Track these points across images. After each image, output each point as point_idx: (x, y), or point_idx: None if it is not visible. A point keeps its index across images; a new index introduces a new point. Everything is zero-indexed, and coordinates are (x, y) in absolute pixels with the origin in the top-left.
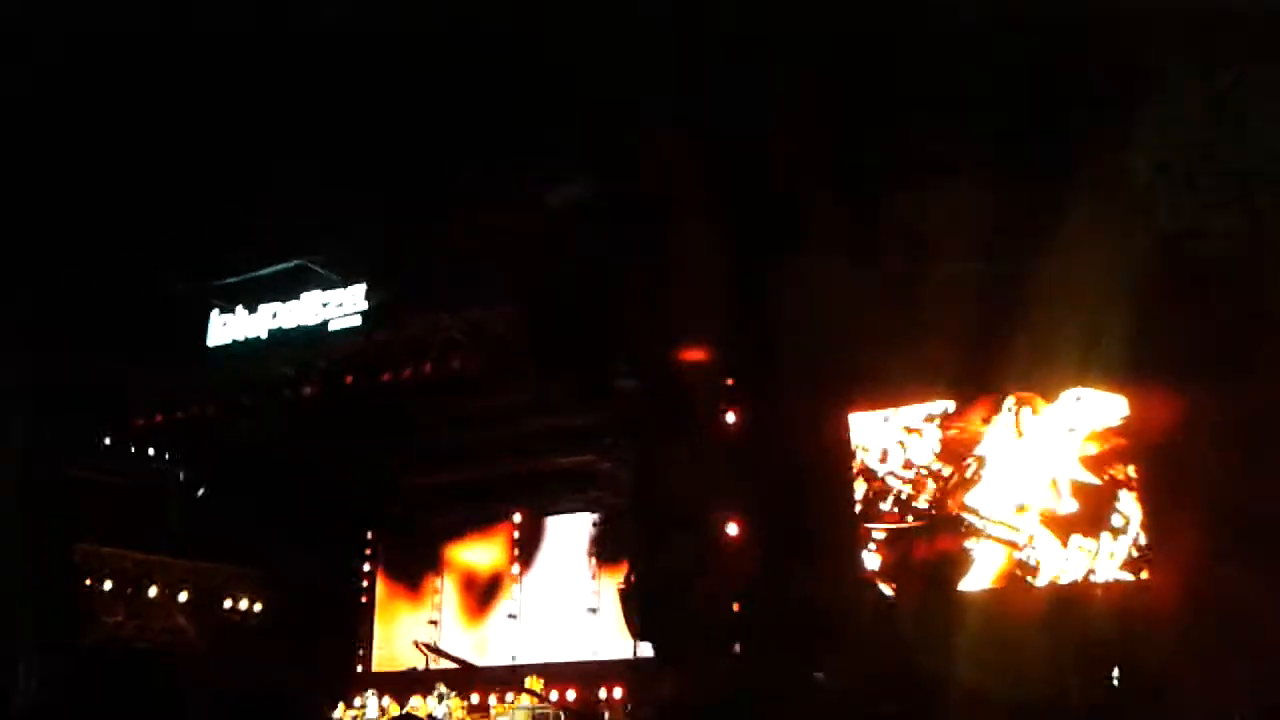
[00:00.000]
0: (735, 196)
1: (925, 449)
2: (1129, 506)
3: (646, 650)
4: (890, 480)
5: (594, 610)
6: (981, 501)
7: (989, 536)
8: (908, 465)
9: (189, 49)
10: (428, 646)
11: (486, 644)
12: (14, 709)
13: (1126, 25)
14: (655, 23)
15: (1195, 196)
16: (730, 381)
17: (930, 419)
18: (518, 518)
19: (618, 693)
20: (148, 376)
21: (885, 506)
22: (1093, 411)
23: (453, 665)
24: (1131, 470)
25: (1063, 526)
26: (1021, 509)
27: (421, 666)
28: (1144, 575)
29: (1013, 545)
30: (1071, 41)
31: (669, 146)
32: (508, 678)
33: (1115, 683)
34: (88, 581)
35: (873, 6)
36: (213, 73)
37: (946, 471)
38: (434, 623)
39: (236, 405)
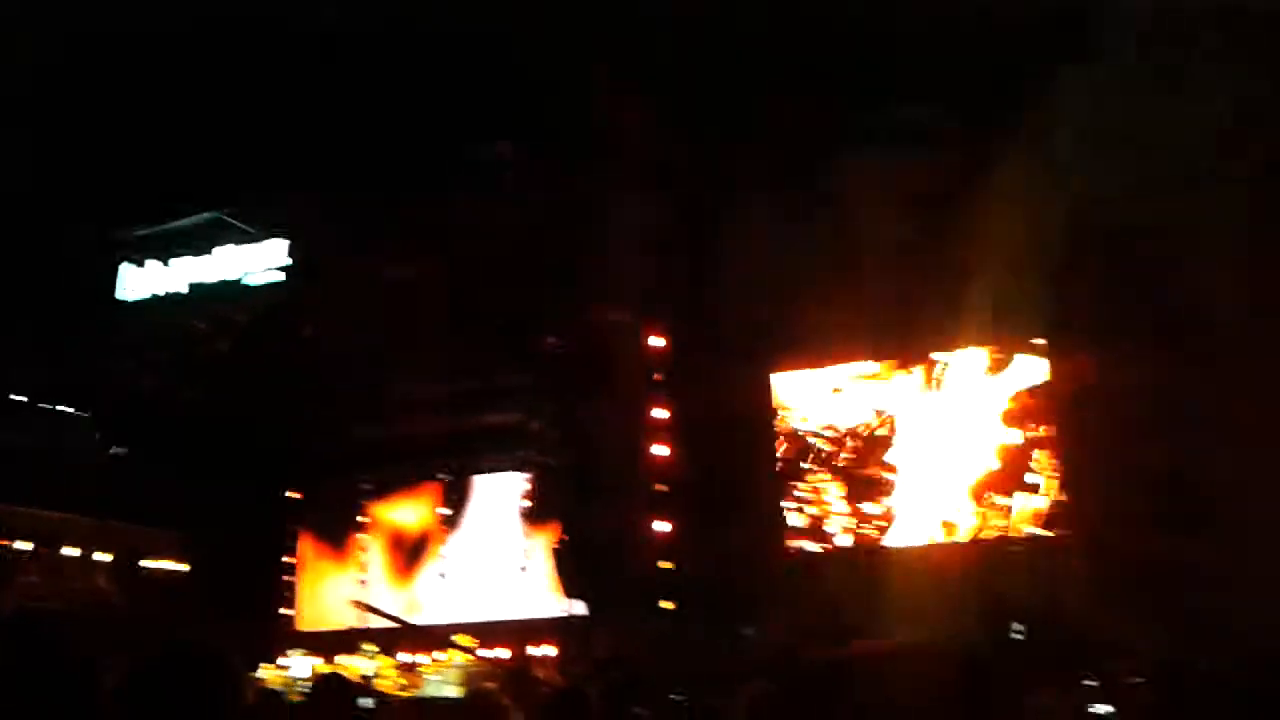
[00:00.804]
0: (668, 158)
1: (847, 409)
2: (1046, 465)
3: (579, 608)
4: (811, 440)
5: (524, 569)
6: (901, 459)
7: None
8: (829, 426)
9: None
10: (364, 605)
11: (417, 603)
12: None
13: None
14: None
15: (1107, 165)
16: (658, 341)
17: (854, 379)
18: (445, 476)
19: (550, 650)
20: (55, 331)
21: (806, 465)
22: (1013, 372)
23: (389, 624)
24: (1047, 429)
25: (981, 484)
26: (940, 466)
27: (359, 625)
28: (1058, 532)
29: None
30: (1006, 7)
31: (603, 106)
32: (438, 637)
33: (1017, 636)
34: (1, 542)
35: None
36: (131, 20)
37: (865, 431)
38: (362, 582)
39: (148, 360)
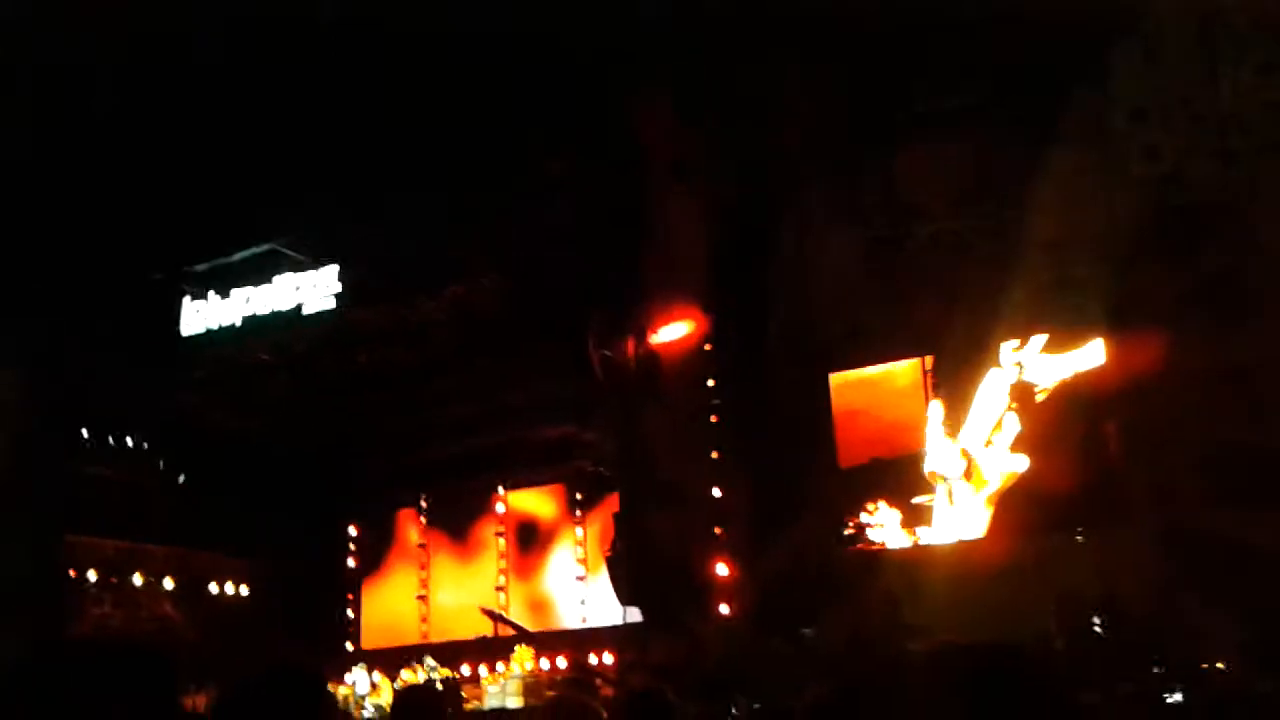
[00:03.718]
0: (715, 164)
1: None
2: (1111, 452)
3: (635, 615)
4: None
5: (581, 578)
6: (956, 453)
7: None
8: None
9: (155, 34)
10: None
11: (477, 616)
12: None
13: None
14: None
15: (1173, 143)
16: (710, 346)
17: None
18: (502, 489)
19: (608, 658)
20: (123, 366)
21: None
22: (1073, 359)
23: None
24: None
25: (1041, 474)
26: (999, 457)
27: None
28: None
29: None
30: None
31: (652, 113)
32: (495, 648)
33: (1099, 630)
34: (72, 573)
35: None
36: (178, 57)
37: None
38: (422, 598)
39: (213, 392)
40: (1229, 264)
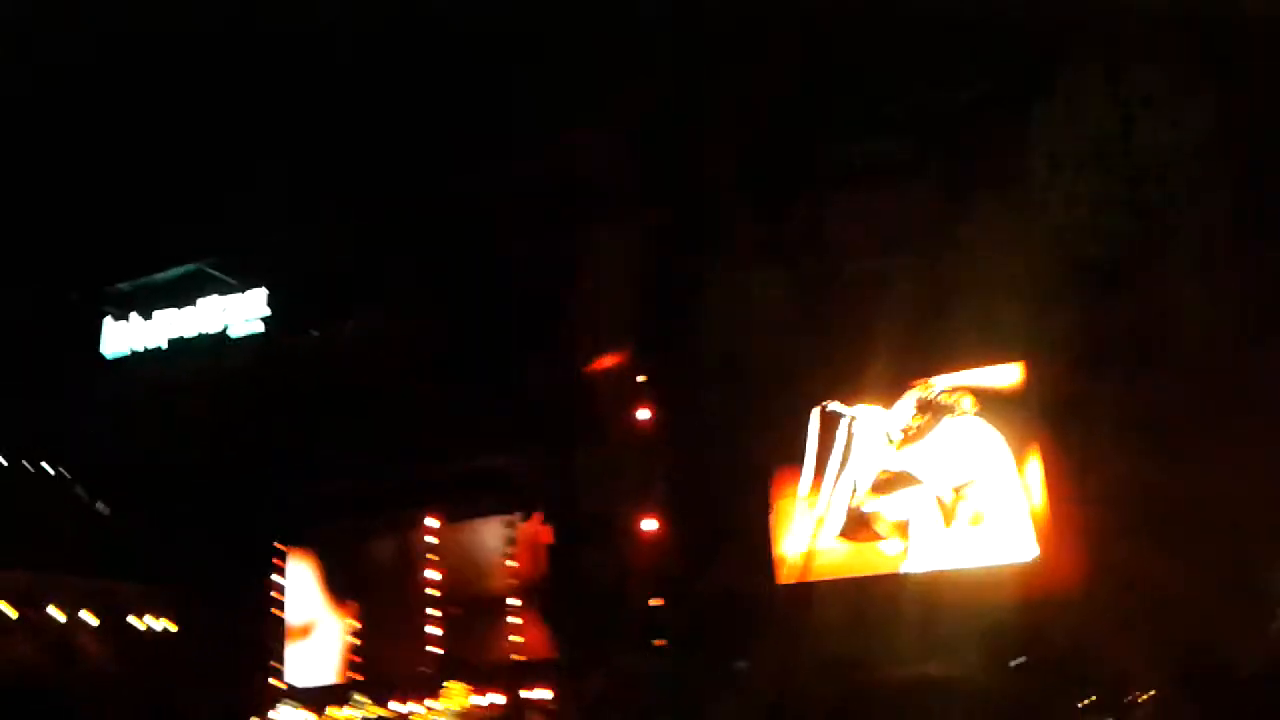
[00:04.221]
0: (653, 197)
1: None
2: (1028, 488)
3: (570, 649)
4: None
5: (516, 611)
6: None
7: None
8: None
9: (79, 43)
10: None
11: (410, 650)
12: None
13: (1029, 24)
14: (577, 25)
15: (1088, 195)
16: (643, 379)
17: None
18: (433, 522)
19: (542, 693)
20: (39, 389)
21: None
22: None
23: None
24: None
25: (963, 511)
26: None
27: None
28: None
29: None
30: (975, 40)
31: (588, 147)
32: (428, 683)
33: (1019, 664)
34: None
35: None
36: (103, 69)
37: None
38: (353, 632)
39: (135, 416)
40: (1140, 313)
